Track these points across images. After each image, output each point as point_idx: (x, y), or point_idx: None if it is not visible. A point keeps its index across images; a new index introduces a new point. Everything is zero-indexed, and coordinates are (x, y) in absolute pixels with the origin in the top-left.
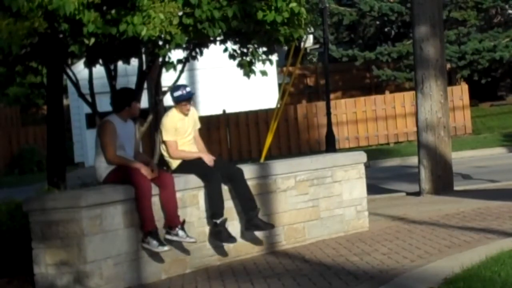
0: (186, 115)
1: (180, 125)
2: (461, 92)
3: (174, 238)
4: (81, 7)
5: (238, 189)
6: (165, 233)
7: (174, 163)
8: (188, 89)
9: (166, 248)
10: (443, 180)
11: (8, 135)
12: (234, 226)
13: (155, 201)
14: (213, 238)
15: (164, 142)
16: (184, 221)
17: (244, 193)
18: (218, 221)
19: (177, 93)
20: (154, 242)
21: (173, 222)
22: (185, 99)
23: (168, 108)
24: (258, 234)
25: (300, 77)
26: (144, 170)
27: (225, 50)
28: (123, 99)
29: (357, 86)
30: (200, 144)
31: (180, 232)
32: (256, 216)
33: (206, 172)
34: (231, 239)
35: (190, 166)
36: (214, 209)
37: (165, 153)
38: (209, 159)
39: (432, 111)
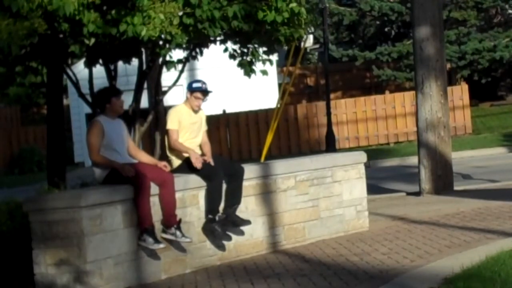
0: (195, 111)
1: (184, 120)
2: (461, 92)
3: (170, 237)
4: (81, 8)
5: (232, 184)
6: (161, 231)
7: (176, 162)
8: (207, 86)
9: (161, 245)
10: (443, 180)
11: (8, 135)
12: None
13: (155, 201)
14: (208, 234)
15: (166, 132)
16: (180, 221)
17: (236, 188)
18: (216, 218)
19: (196, 84)
20: (150, 240)
21: (169, 221)
22: (201, 91)
23: (168, 108)
24: (259, 234)
25: (300, 77)
26: (127, 170)
27: (225, 50)
28: (101, 98)
29: (357, 86)
30: (207, 147)
31: (176, 232)
32: (234, 212)
33: (209, 172)
34: (226, 237)
35: (192, 166)
36: (213, 206)
37: (168, 147)
38: (196, 160)
39: (432, 111)
